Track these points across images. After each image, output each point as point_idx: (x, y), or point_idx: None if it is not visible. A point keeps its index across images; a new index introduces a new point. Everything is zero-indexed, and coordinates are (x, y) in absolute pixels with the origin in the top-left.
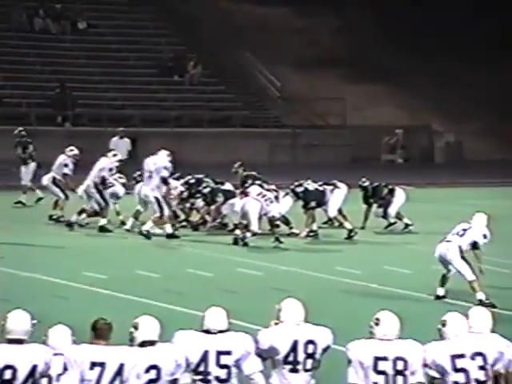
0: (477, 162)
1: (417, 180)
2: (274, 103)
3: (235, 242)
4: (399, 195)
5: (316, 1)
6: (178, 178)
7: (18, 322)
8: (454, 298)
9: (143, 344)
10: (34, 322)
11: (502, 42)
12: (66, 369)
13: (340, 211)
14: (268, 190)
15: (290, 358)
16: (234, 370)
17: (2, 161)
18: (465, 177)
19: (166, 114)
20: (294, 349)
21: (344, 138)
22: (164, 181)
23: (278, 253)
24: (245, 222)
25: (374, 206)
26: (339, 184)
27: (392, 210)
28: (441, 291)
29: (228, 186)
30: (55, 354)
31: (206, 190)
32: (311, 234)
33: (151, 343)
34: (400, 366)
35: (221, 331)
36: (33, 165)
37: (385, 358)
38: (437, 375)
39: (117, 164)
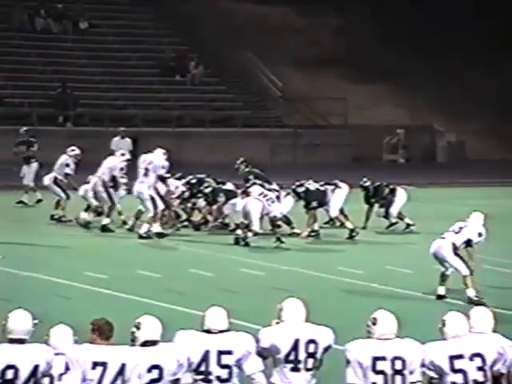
0: (479, 162)
1: (418, 180)
2: (275, 103)
3: (236, 242)
4: (401, 195)
5: (316, 0)
6: (179, 178)
7: (20, 321)
8: (455, 298)
9: (145, 344)
10: (36, 321)
11: (502, 42)
12: (67, 368)
13: (341, 211)
14: (269, 190)
15: (291, 357)
16: (235, 370)
17: (3, 161)
18: (466, 177)
19: (167, 114)
20: (295, 348)
21: (345, 138)
22: (161, 179)
23: (279, 253)
24: (246, 221)
25: (376, 205)
26: (340, 184)
27: (393, 210)
28: (441, 290)
29: (229, 186)
30: (57, 354)
31: (208, 190)
32: (312, 233)
33: (153, 343)
34: (398, 365)
35: (221, 331)
36: (35, 165)
37: (383, 358)
38: (435, 375)
39: (126, 163)
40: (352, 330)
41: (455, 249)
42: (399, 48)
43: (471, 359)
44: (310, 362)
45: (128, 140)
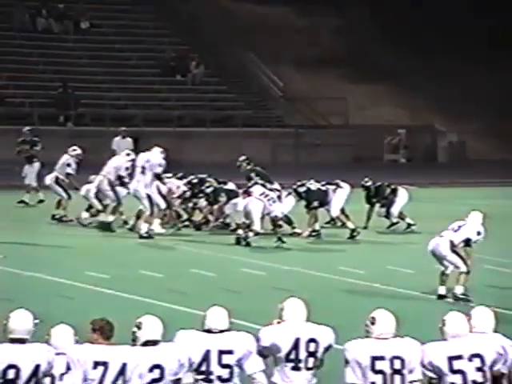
0: (480, 162)
1: (419, 180)
2: (276, 103)
3: (238, 242)
4: (402, 195)
5: (317, 0)
6: (180, 178)
7: (20, 321)
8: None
9: (146, 343)
10: (37, 321)
11: (502, 42)
12: (68, 368)
13: (343, 211)
14: (271, 190)
15: (292, 356)
16: (236, 370)
17: (5, 160)
18: (468, 177)
19: (168, 114)
20: (295, 347)
21: (346, 138)
22: (158, 177)
23: (280, 252)
24: (247, 221)
25: (377, 205)
26: (342, 184)
27: (395, 210)
28: (442, 290)
29: (231, 186)
30: (58, 354)
31: (209, 190)
32: (314, 233)
33: (154, 343)
34: (397, 364)
35: (222, 331)
36: (37, 164)
37: (382, 358)
38: (434, 376)
39: (131, 163)
40: (353, 329)
41: (453, 246)
42: (399, 48)
43: (470, 360)
44: (311, 361)
45: (129, 140)
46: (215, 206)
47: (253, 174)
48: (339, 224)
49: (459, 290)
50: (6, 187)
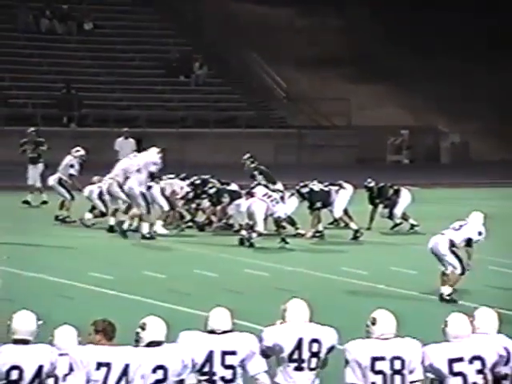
0: (482, 163)
1: (422, 180)
2: (279, 104)
3: (241, 243)
4: (405, 196)
5: (317, 1)
6: (183, 179)
7: (24, 322)
8: (460, 299)
9: (150, 344)
10: (40, 322)
11: (502, 42)
12: (71, 369)
13: (346, 212)
14: (273, 191)
15: (295, 356)
16: (239, 371)
17: (8, 161)
18: (470, 177)
19: (171, 115)
20: (298, 347)
21: (349, 139)
22: (151, 176)
23: (283, 253)
24: (251, 222)
25: (380, 206)
26: (345, 184)
27: (398, 211)
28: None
29: (234, 187)
30: (61, 355)
31: (212, 191)
32: (317, 234)
33: (158, 344)
34: (398, 365)
35: (225, 331)
36: (41, 165)
37: (382, 358)
38: (435, 378)
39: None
40: (356, 330)
41: (452, 246)
42: (399, 48)
43: (471, 362)
44: (314, 361)
45: (132, 140)
46: (218, 207)
47: (256, 173)
48: (342, 225)
49: (447, 290)
50: (9, 188)
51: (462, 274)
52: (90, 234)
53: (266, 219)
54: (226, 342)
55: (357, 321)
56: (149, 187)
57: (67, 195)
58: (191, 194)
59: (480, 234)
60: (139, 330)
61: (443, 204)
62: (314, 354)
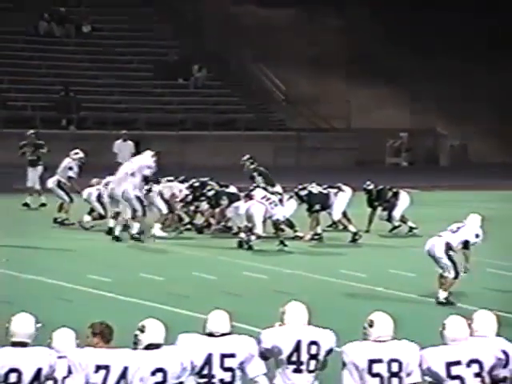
0: (482, 165)
1: (421, 183)
2: (278, 106)
3: (240, 245)
4: (404, 198)
5: (317, 2)
6: (182, 181)
7: (22, 325)
8: (458, 301)
9: (149, 347)
10: (39, 325)
11: (502, 42)
12: (70, 372)
13: (344, 214)
14: (272, 194)
15: (294, 358)
16: (238, 373)
17: (7, 164)
18: (469, 180)
19: (170, 117)
20: (297, 349)
21: (348, 141)
22: (145, 179)
23: (282, 256)
24: (249, 225)
25: (379, 209)
26: (344, 187)
27: (396, 213)
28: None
29: (232, 189)
30: (60, 357)
31: (211, 193)
32: (316, 237)
33: (157, 346)
34: (395, 367)
35: (224, 334)
36: (40, 168)
37: (379, 361)
38: (433, 381)
39: None
40: (354, 332)
41: (449, 249)
42: (399, 48)
43: (468, 365)
44: (312, 363)
45: (130, 143)
46: (217, 210)
47: (255, 174)
48: (341, 227)
49: (442, 295)
50: (8, 190)
51: (456, 277)
52: (88, 236)
53: (264, 222)
54: (225, 345)
55: (355, 323)
56: (149, 190)
57: (66, 198)
58: (190, 197)
59: (477, 236)
60: (138, 332)
61: (442, 206)
62: (313, 357)
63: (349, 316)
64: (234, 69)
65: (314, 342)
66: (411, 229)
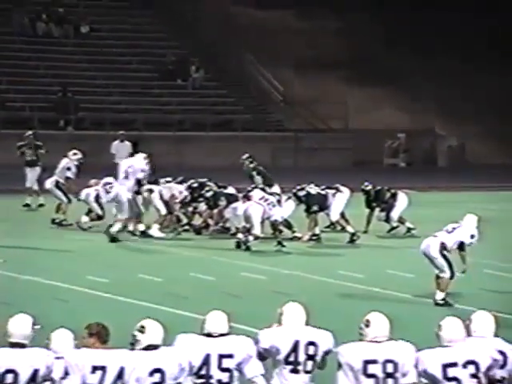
0: (479, 166)
1: (419, 184)
2: (275, 107)
3: (238, 246)
4: (402, 199)
5: (315, 3)
6: (180, 182)
7: (19, 325)
8: (455, 302)
9: (147, 348)
10: (37, 326)
11: (502, 42)
12: (67, 373)
13: (342, 215)
14: (270, 194)
15: (291, 359)
16: (235, 374)
17: (5, 165)
18: (467, 180)
19: (168, 118)
20: (294, 349)
21: (346, 142)
22: (138, 182)
23: (280, 257)
24: (247, 225)
25: (377, 209)
26: (342, 188)
27: (394, 214)
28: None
29: (230, 190)
30: (57, 358)
31: (209, 194)
32: (314, 237)
33: (155, 347)
34: (390, 368)
35: (222, 334)
36: (38, 168)
37: (374, 361)
38: (429, 383)
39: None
40: (352, 333)
41: (443, 248)
42: (399, 48)
43: (465, 367)
44: (310, 364)
45: (128, 143)
46: (215, 210)
47: (254, 173)
48: (339, 228)
49: (440, 296)
50: (6, 191)
51: (451, 278)
52: (86, 237)
53: (262, 222)
54: (223, 345)
55: (353, 324)
56: (150, 190)
57: (64, 198)
58: (188, 198)
59: (472, 237)
60: (137, 332)
61: (440, 207)
62: (310, 357)
63: (346, 316)
64: (231, 69)
65: (311, 343)
66: (409, 229)
